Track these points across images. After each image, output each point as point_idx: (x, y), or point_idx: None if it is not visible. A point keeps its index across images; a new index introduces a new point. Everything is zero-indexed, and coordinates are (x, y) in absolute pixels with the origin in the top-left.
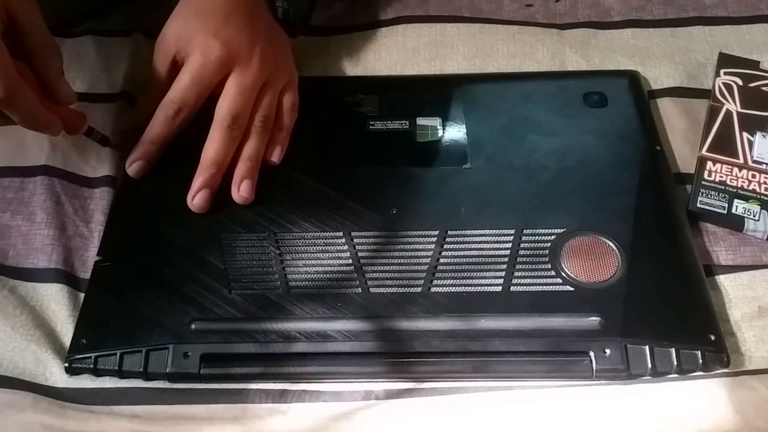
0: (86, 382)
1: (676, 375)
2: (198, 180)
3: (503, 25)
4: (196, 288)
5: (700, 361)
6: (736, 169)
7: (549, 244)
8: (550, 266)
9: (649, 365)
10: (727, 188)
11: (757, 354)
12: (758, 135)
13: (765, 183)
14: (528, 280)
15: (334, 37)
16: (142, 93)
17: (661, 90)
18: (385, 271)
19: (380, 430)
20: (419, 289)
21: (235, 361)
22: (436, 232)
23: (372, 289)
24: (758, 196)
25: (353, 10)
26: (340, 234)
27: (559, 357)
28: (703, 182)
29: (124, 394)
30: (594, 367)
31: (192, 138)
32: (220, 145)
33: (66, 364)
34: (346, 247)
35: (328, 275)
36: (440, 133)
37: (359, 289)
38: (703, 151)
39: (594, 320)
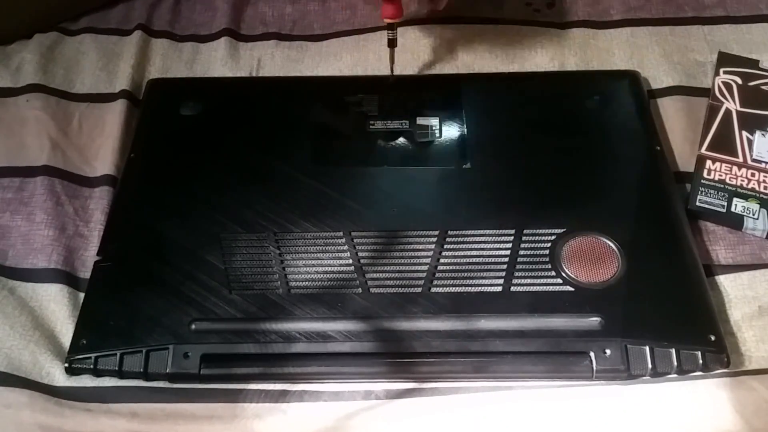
0: (85, 380)
1: (676, 375)
2: None
3: (503, 25)
4: (196, 288)
5: (700, 361)
6: (735, 168)
7: (549, 245)
8: (550, 266)
9: (649, 365)
10: (726, 187)
11: (757, 354)
12: (758, 134)
13: (764, 181)
14: (528, 281)
15: (334, 40)
16: None
17: (660, 89)
18: (386, 272)
19: (380, 430)
20: (419, 290)
21: (235, 361)
22: (436, 232)
23: (372, 290)
24: (757, 195)
25: (353, 18)
26: (340, 234)
27: (559, 357)
28: (702, 181)
29: (123, 392)
30: (594, 368)
31: (193, 141)
32: None
33: (66, 365)
34: (346, 247)
35: (328, 275)
36: (440, 133)
37: (359, 290)
38: (703, 150)
39: (594, 320)
